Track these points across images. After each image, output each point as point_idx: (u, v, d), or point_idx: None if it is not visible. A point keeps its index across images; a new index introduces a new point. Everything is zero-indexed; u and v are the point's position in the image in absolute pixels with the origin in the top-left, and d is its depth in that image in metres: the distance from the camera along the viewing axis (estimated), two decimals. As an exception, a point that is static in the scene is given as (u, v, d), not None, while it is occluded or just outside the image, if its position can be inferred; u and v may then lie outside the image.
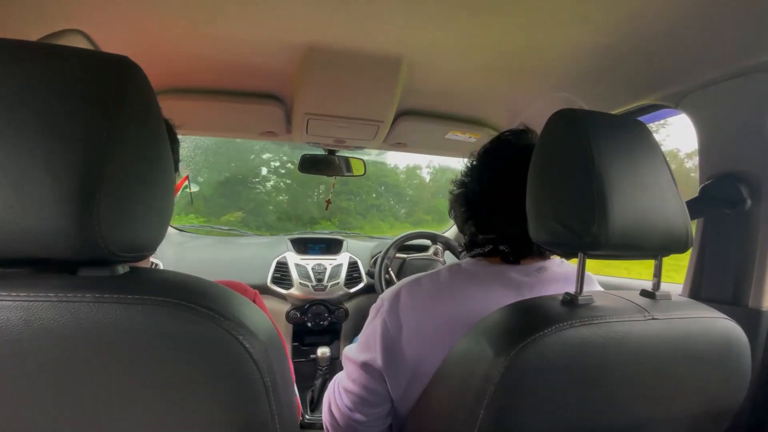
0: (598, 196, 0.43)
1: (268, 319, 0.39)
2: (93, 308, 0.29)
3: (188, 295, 0.32)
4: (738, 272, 0.72)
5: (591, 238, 0.43)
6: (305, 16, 0.71)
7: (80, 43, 0.73)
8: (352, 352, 0.67)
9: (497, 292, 0.59)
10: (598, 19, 0.68)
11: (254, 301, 0.59)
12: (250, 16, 0.72)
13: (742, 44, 0.63)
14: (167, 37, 0.79)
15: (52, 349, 0.28)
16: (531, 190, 0.51)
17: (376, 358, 0.60)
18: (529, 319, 0.44)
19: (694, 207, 0.76)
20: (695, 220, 0.80)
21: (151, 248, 0.36)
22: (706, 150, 0.75)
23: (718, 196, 0.71)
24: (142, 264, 0.55)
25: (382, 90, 0.95)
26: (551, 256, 0.65)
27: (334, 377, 0.75)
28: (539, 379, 0.41)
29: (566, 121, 0.48)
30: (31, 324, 0.28)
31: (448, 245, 1.66)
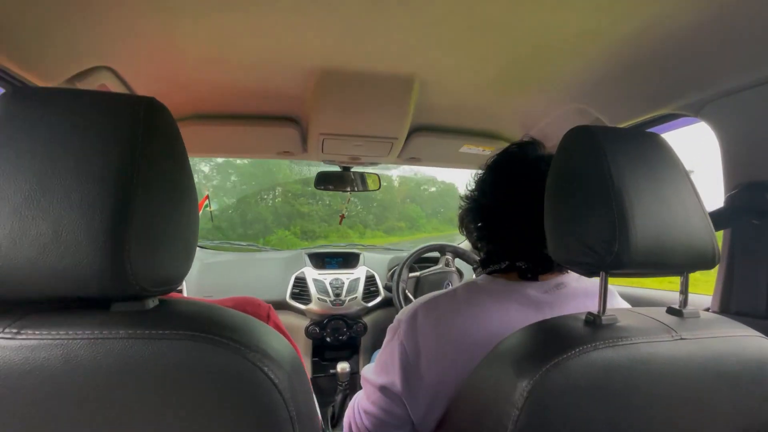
0: (619, 214, 0.42)
1: (291, 346, 0.40)
2: (126, 344, 0.31)
3: (213, 328, 0.33)
4: None
5: (613, 257, 0.43)
6: (317, 41, 0.74)
7: (109, 78, 0.78)
8: (370, 374, 0.67)
9: (516, 311, 0.58)
10: (609, 31, 0.68)
11: (268, 316, 0.59)
12: (265, 43, 0.75)
13: (763, 51, 0.61)
14: (189, 68, 0.83)
15: (90, 385, 0.30)
16: (549, 207, 0.51)
17: (395, 381, 0.60)
18: (552, 341, 0.43)
19: (720, 218, 0.74)
20: (722, 231, 0.78)
21: (179, 280, 0.37)
22: (729, 159, 0.73)
23: (745, 206, 0.69)
24: None
25: (394, 109, 0.97)
26: (569, 271, 0.64)
27: (354, 396, 0.75)
28: (564, 403, 0.40)
29: (582, 138, 0.47)
30: (70, 362, 0.30)
31: (456, 253, 1.63)
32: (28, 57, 0.64)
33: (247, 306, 0.58)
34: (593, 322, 0.45)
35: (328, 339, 1.58)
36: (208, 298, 1.55)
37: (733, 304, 0.76)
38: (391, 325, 0.65)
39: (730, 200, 0.71)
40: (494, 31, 0.70)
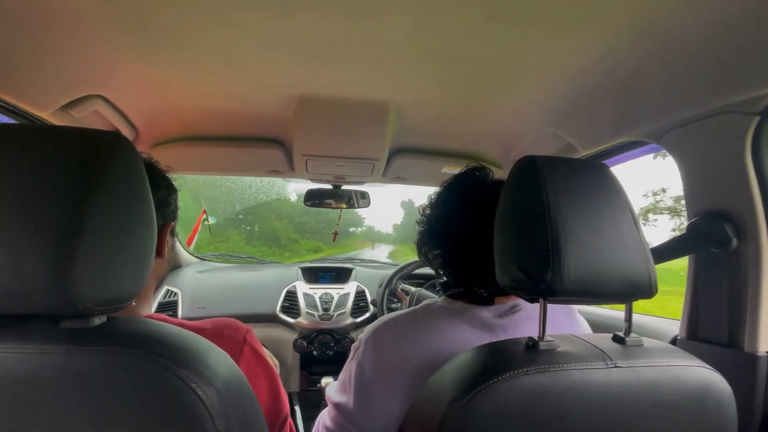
0: (553, 243, 0.44)
1: (230, 365, 0.42)
2: (65, 359, 0.34)
3: (149, 346, 0.36)
4: (732, 314, 0.69)
5: (546, 285, 0.44)
6: (293, 72, 0.79)
7: (101, 105, 0.84)
8: (331, 391, 0.69)
9: (470, 334, 0.60)
10: (564, 64, 0.71)
11: (245, 340, 0.60)
12: (244, 73, 0.80)
13: (712, 86, 0.63)
14: (176, 96, 0.88)
15: (27, 397, 0.33)
16: (496, 235, 0.53)
17: (349, 401, 0.62)
18: (487, 364, 0.44)
19: (682, 245, 0.75)
20: (688, 257, 0.78)
21: (126, 300, 0.40)
22: (689, 187, 0.74)
23: (705, 235, 0.70)
24: (130, 310, 0.58)
25: (372, 132, 1.01)
26: None
27: (321, 413, 0.77)
28: (494, 426, 0.41)
29: (525, 169, 0.49)
30: (10, 374, 0.33)
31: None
32: (22, 87, 0.69)
33: (224, 329, 0.59)
34: (532, 347, 0.46)
35: (315, 353, 1.59)
36: (201, 309, 1.59)
37: (700, 332, 0.76)
38: (354, 344, 0.67)
39: (691, 228, 0.72)
40: (454, 61, 0.73)
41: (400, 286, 1.51)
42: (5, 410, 0.33)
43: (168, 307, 1.52)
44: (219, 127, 1.07)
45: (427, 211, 0.71)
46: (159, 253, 0.60)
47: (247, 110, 0.97)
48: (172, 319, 0.54)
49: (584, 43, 0.65)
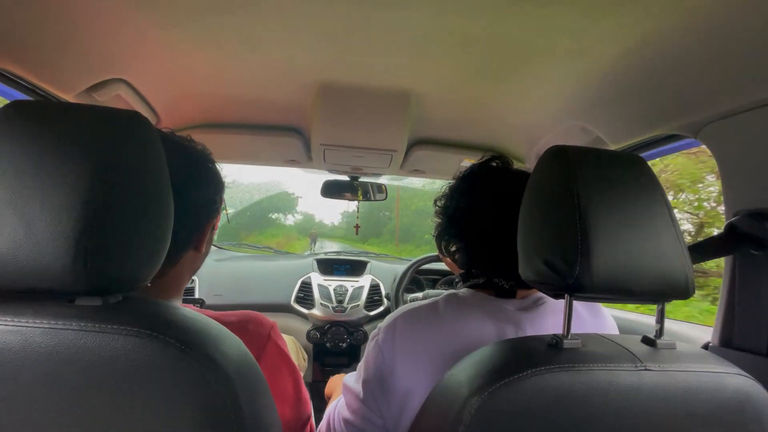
0: (582, 237, 0.42)
1: (242, 350, 0.42)
2: (77, 336, 0.34)
3: (161, 327, 0.36)
4: None
5: (574, 280, 0.42)
6: (311, 58, 0.78)
7: (123, 90, 0.84)
8: (350, 381, 0.68)
9: (494, 327, 0.58)
10: (596, 52, 0.68)
11: (269, 336, 0.59)
12: (267, 59, 0.79)
13: (758, 74, 0.59)
14: (197, 81, 0.89)
15: (41, 371, 0.33)
16: (520, 227, 0.51)
17: (369, 380, 0.61)
18: (509, 360, 0.43)
19: (720, 244, 0.70)
20: (725, 259, 0.74)
21: (142, 280, 0.40)
22: (729, 184, 0.70)
23: (744, 235, 0.65)
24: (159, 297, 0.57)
25: (391, 122, 0.99)
26: None
27: (334, 402, 0.76)
28: (513, 424, 0.39)
29: (554, 159, 0.47)
30: (26, 347, 0.33)
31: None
32: (47, 70, 0.71)
33: (249, 324, 0.58)
34: (555, 344, 0.44)
35: (328, 345, 1.60)
36: (217, 296, 1.61)
37: (735, 338, 0.71)
38: (373, 331, 0.66)
39: (729, 227, 0.68)
40: (478, 48, 0.71)
41: (409, 298, 1.49)
42: (19, 383, 0.33)
43: (186, 293, 1.55)
44: (238, 115, 1.07)
45: (446, 202, 0.69)
46: (197, 248, 0.59)
47: (266, 97, 0.96)
48: (200, 309, 0.53)
49: (619, 28, 0.61)
